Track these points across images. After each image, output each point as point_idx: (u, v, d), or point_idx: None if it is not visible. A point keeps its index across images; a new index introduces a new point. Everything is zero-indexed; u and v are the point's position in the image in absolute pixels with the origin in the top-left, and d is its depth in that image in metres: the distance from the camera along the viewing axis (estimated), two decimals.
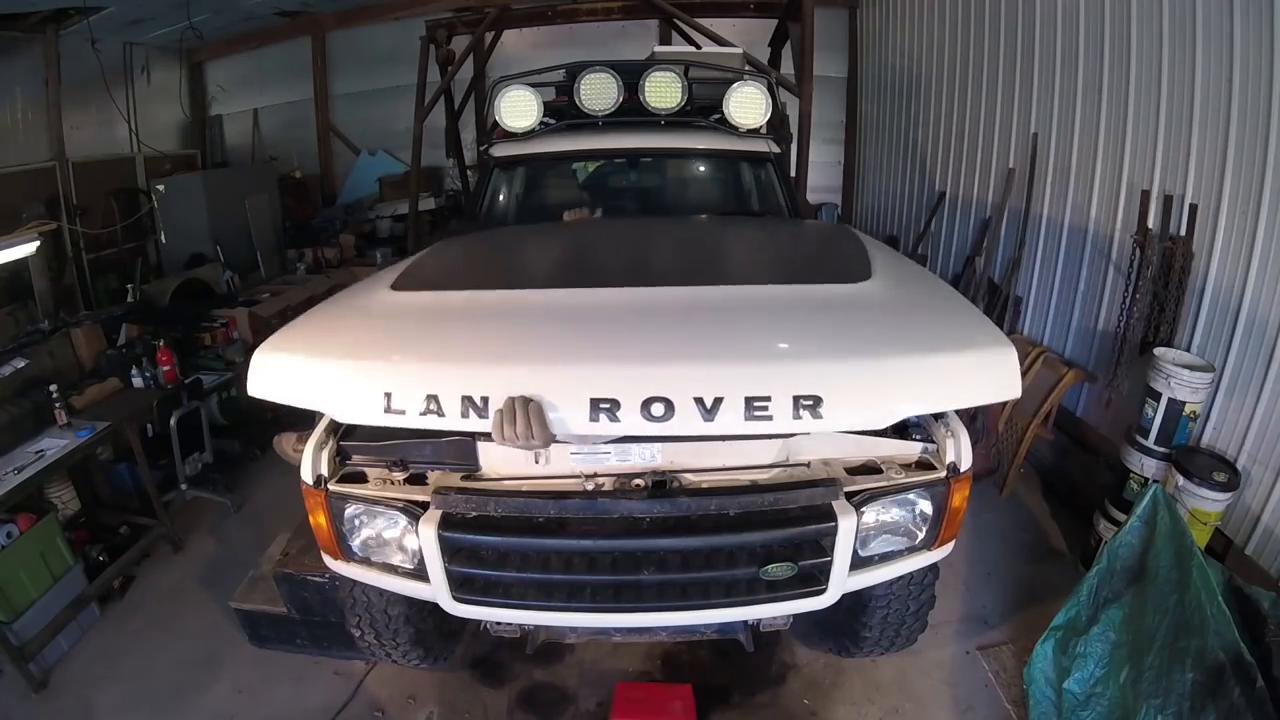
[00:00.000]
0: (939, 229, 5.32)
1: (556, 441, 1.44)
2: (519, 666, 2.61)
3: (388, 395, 1.44)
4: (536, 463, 1.83)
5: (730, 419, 1.27)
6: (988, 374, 1.31)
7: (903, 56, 5.93)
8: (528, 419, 1.33)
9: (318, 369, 1.58)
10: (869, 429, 1.28)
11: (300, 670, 2.64)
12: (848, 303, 1.49)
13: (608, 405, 1.31)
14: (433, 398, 1.41)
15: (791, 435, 1.27)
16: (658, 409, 1.27)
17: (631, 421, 1.29)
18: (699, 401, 1.27)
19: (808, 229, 2.57)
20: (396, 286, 1.79)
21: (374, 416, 1.46)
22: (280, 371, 1.60)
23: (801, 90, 4.63)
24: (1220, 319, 2.77)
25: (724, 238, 2.20)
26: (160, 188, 5.55)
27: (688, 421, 1.27)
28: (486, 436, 1.81)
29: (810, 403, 1.25)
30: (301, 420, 3.54)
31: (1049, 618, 2.32)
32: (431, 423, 1.42)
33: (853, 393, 1.28)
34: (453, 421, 1.41)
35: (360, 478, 1.87)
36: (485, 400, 1.39)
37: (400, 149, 7.43)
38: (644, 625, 2.00)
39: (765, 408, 1.26)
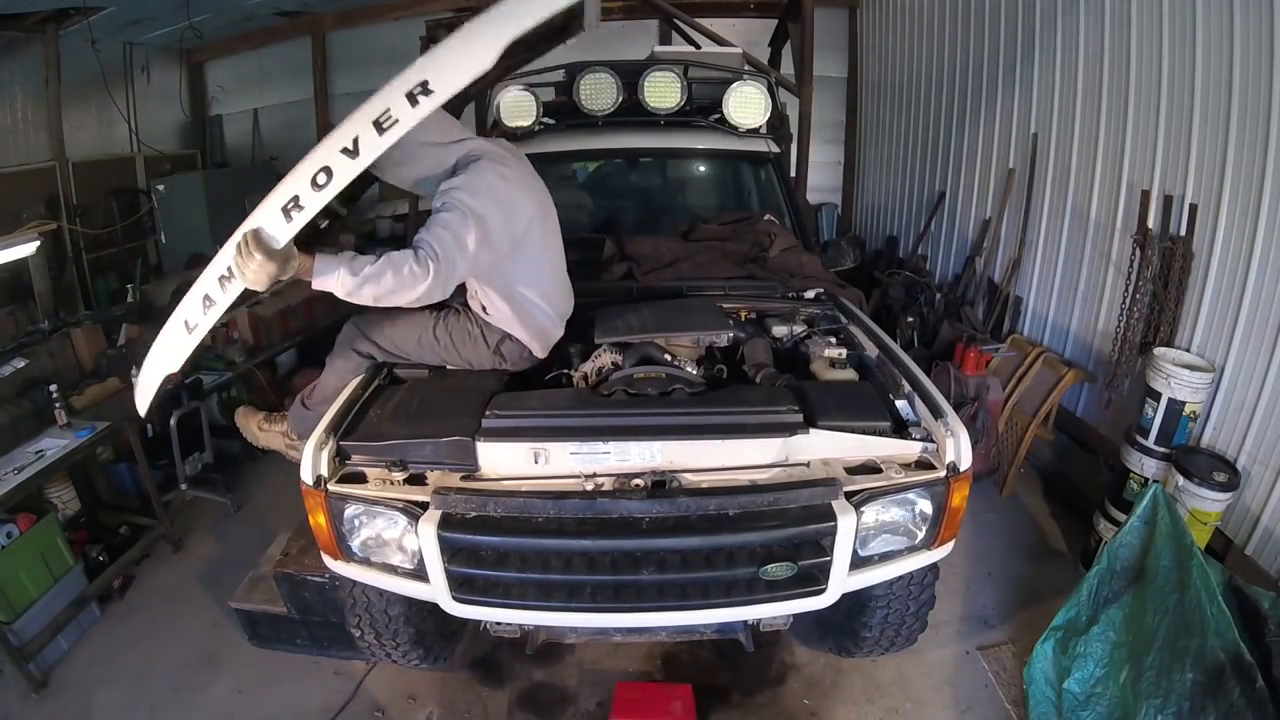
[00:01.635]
0: (939, 229, 5.31)
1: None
2: (519, 666, 2.61)
3: None
4: (536, 462, 1.84)
5: None
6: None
7: (903, 56, 5.92)
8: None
9: None
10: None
11: (300, 670, 2.64)
12: None
13: None
14: None
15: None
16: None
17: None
18: None
19: None
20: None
21: None
22: None
23: (801, 90, 4.63)
24: (1220, 319, 2.77)
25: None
26: (160, 188, 5.53)
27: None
28: (486, 436, 1.84)
29: None
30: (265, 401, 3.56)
31: (1049, 618, 2.32)
32: None
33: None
34: None
35: (360, 478, 1.87)
36: None
37: None
38: (644, 625, 2.01)
39: None
